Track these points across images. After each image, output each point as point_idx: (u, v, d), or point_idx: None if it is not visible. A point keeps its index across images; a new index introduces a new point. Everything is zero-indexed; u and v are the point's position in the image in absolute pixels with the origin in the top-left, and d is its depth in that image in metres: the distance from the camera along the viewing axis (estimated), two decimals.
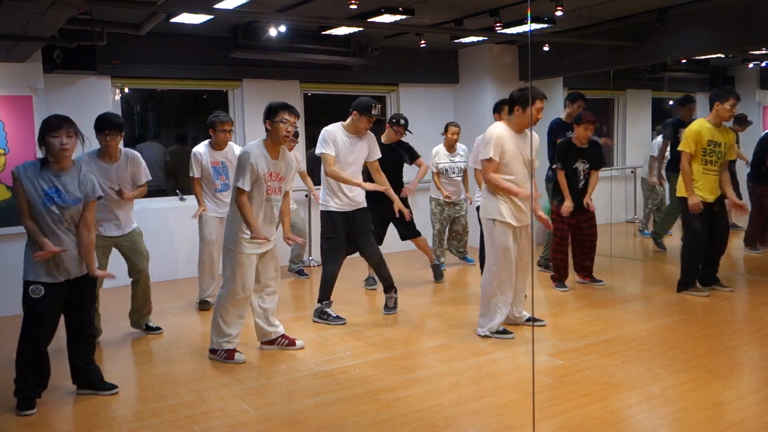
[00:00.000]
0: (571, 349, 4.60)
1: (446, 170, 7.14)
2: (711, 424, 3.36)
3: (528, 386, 3.85)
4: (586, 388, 3.87)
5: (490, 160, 4.69)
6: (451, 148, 7.16)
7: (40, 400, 3.86)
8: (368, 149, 5.43)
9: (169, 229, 7.25)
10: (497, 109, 6.20)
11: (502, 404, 3.70)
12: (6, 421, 3.65)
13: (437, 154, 7.17)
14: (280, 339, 4.78)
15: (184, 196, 7.40)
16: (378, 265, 5.58)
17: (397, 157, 6.47)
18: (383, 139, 6.38)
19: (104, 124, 4.67)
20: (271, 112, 4.36)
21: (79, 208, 3.78)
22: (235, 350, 4.55)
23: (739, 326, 5.13)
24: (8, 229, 5.86)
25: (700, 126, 5.64)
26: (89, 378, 4.05)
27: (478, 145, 5.22)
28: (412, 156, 6.61)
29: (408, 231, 6.54)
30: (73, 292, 3.86)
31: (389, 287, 5.68)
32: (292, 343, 4.78)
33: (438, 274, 6.92)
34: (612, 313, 5.53)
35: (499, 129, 4.77)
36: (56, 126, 3.69)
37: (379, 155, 5.52)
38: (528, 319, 5.14)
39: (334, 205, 5.36)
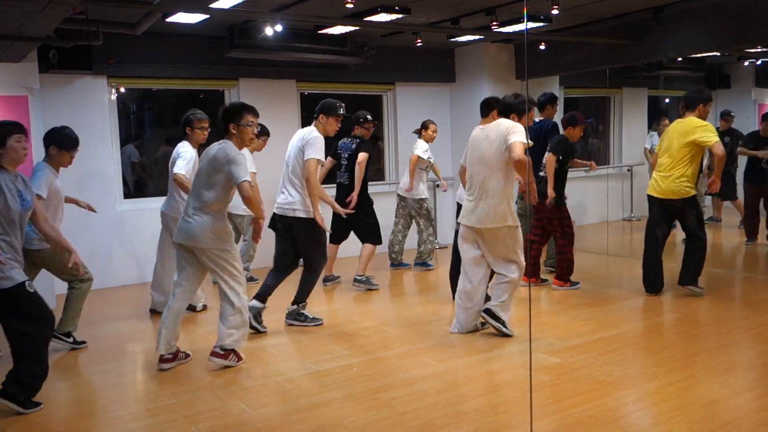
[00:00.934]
0: (568, 347, 4.61)
1: (431, 163, 7.21)
2: (707, 422, 3.37)
3: (525, 385, 3.86)
4: (582, 387, 3.88)
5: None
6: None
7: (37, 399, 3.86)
8: None
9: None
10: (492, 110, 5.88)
11: (499, 403, 3.71)
12: (2, 422, 3.65)
13: (427, 150, 7.18)
14: (180, 354, 4.52)
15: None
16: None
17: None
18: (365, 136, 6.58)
19: (76, 144, 4.72)
20: (235, 115, 4.27)
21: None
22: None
23: (735, 324, 5.14)
24: None
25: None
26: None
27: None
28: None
29: (373, 236, 6.59)
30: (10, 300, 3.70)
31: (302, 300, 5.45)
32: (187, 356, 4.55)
33: (371, 284, 6.61)
34: (608, 311, 5.55)
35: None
36: (21, 131, 3.75)
37: None
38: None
39: (320, 211, 5.23)
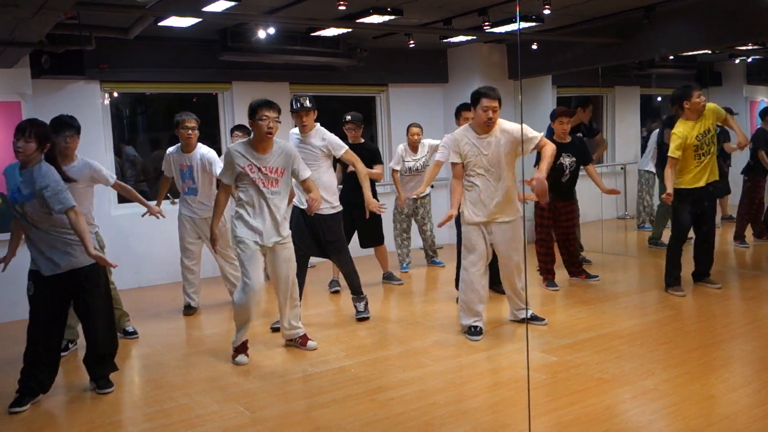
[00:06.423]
0: (565, 345, 4.62)
1: (409, 169, 7.10)
2: (704, 417, 3.38)
3: (522, 383, 3.86)
4: (580, 384, 3.89)
5: (453, 164, 4.89)
6: (414, 149, 7.08)
7: (36, 402, 3.87)
8: None
9: (159, 233, 7.21)
10: (458, 115, 6.14)
11: (496, 402, 3.72)
12: (0, 426, 3.64)
13: (405, 153, 7.08)
14: (298, 339, 4.85)
15: (175, 200, 7.35)
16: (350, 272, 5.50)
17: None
18: (350, 139, 6.21)
19: (63, 126, 4.66)
20: (252, 112, 4.48)
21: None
22: (245, 348, 4.61)
23: (730, 320, 5.16)
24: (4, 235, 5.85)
25: (683, 127, 5.64)
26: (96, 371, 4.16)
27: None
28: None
29: (373, 239, 6.56)
30: (72, 285, 3.90)
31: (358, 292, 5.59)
32: (303, 342, 4.82)
33: (395, 279, 6.84)
34: (604, 309, 5.56)
35: (458, 132, 4.98)
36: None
37: None
38: (531, 318, 5.15)
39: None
